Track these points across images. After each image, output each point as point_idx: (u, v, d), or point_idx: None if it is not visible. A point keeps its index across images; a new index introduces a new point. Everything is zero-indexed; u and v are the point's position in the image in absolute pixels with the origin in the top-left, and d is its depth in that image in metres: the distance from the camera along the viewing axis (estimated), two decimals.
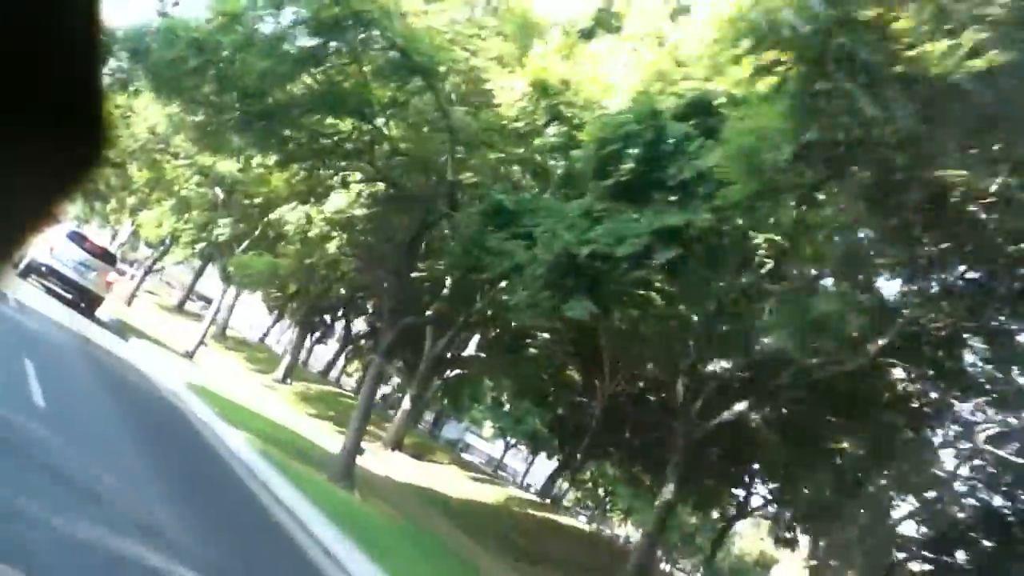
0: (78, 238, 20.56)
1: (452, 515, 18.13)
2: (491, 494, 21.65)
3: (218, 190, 24.69)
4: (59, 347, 13.92)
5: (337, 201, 17.29)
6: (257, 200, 22.73)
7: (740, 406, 15.19)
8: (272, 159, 16.81)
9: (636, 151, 9.38)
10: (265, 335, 53.13)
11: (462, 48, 11.65)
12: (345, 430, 26.45)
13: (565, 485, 37.98)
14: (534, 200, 11.22)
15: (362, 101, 12.25)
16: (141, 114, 23.32)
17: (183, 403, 15.77)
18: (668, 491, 15.57)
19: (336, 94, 12.35)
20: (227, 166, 21.04)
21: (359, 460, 17.70)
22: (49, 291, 20.27)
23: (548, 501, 27.94)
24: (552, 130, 11.41)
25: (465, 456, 40.70)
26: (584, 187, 11.42)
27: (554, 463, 36.59)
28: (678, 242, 8.96)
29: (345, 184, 17.71)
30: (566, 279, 9.63)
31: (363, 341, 44.48)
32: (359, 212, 17.74)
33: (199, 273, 52.67)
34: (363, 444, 25.13)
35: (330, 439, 21.16)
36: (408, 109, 12.57)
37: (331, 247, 18.61)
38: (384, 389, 51.10)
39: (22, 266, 18.99)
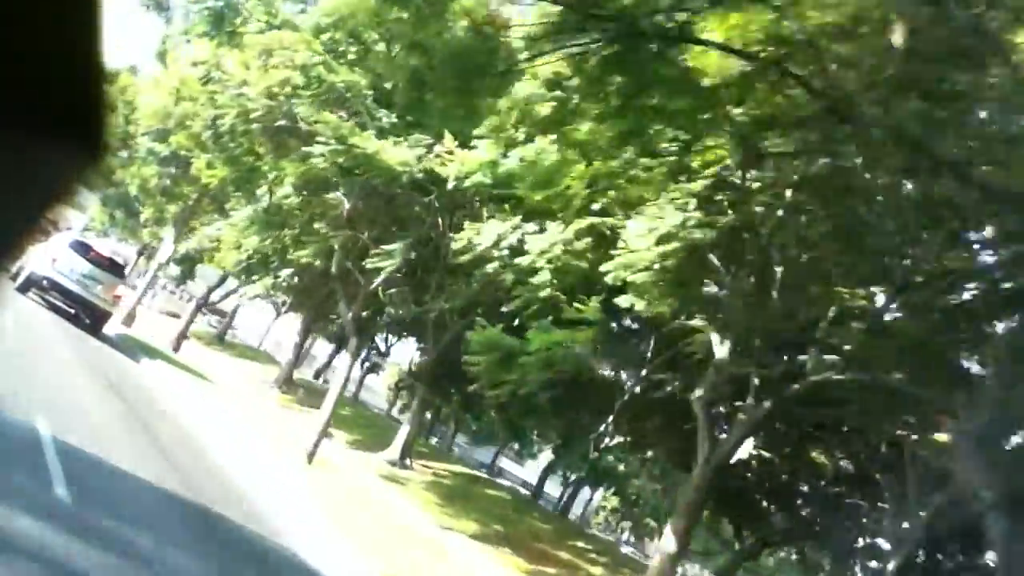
0: (82, 248, 18.26)
1: None
2: None
3: (344, 198, 15.52)
4: None
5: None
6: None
7: None
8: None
9: None
10: (323, 372, 44.01)
11: None
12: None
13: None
14: None
15: None
16: (236, 75, 14.11)
17: None
18: None
19: None
20: (402, 154, 11.97)
21: None
22: (51, 306, 18.02)
23: None
24: None
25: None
26: None
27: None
28: None
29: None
30: None
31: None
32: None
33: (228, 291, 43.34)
34: None
35: None
36: None
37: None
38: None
39: (21, 279, 16.88)
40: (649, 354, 12.22)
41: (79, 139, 0.56)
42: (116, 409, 11.57)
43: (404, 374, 45.72)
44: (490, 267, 13.48)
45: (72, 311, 18.11)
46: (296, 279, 25.70)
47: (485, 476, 28.16)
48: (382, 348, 46.55)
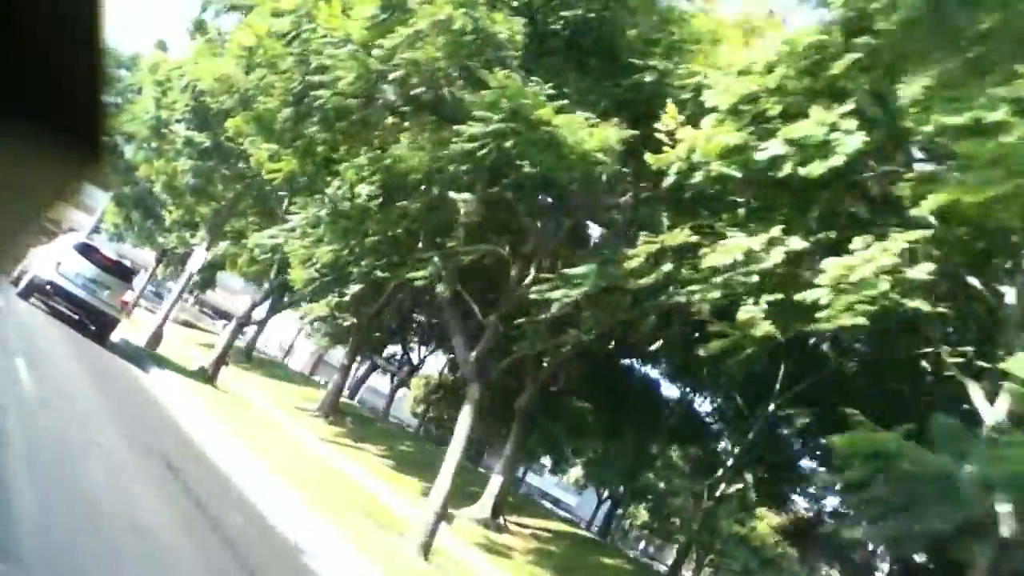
0: (88, 250, 17.06)
1: None
2: None
3: (469, 199, 11.49)
4: None
5: None
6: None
7: None
8: None
9: None
10: (358, 390, 39.99)
11: None
12: None
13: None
14: None
15: None
16: (338, 27, 9.98)
17: None
18: None
19: None
20: (605, 135, 7.93)
21: None
22: (54, 312, 16.64)
23: None
24: None
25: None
26: None
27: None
28: None
29: None
30: None
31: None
32: None
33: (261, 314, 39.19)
34: None
35: None
36: None
37: None
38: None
39: (23, 284, 15.76)
40: None
41: (80, 137, 0.52)
42: (178, 494, 7.63)
43: (435, 386, 41.97)
44: (698, 293, 9.50)
45: (77, 317, 16.79)
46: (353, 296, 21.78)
47: (583, 532, 24.16)
48: (414, 360, 42.92)
